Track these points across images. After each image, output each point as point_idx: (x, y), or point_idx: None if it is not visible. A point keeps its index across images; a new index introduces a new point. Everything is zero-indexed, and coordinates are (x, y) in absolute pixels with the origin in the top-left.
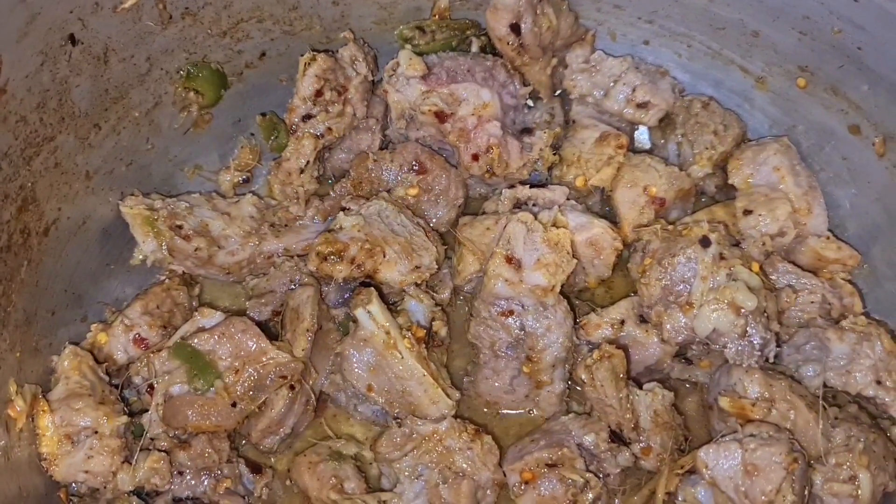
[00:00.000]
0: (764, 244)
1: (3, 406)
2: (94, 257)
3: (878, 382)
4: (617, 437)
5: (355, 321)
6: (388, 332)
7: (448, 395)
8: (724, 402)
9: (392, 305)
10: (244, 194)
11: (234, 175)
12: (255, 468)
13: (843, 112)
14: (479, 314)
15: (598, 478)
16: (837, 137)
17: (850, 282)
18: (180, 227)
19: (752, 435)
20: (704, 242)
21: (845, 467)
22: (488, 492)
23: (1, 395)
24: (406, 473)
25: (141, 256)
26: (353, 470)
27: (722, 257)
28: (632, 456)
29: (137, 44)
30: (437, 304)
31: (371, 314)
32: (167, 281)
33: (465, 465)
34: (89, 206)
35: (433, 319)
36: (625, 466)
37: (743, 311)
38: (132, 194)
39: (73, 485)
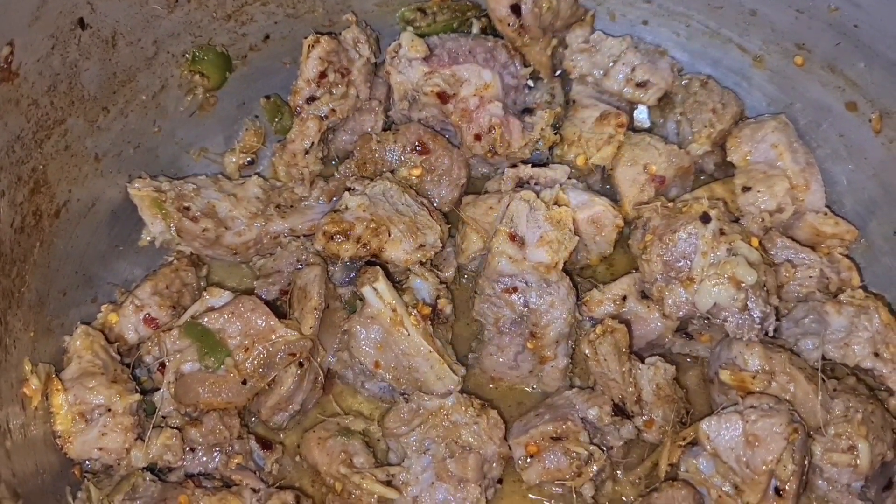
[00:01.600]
0: (763, 220)
1: (18, 385)
2: (103, 239)
3: (876, 354)
4: (620, 411)
5: (362, 299)
6: (394, 310)
7: (454, 371)
8: (725, 375)
9: (397, 284)
10: (249, 176)
11: (239, 157)
12: (266, 444)
13: (839, 89)
14: (483, 291)
15: (602, 450)
16: (834, 114)
17: (847, 256)
18: (188, 208)
19: (752, 406)
20: (705, 218)
21: (844, 437)
22: (494, 465)
23: (16, 374)
24: (413, 448)
25: (149, 238)
26: (362, 445)
27: (722, 233)
28: (634, 429)
29: (144, 27)
30: (441, 282)
31: (378, 292)
32: (175, 262)
33: (471, 440)
34: (98, 188)
35: (438, 297)
36: (628, 439)
37: (743, 285)
38: (140, 177)
39: (87, 462)
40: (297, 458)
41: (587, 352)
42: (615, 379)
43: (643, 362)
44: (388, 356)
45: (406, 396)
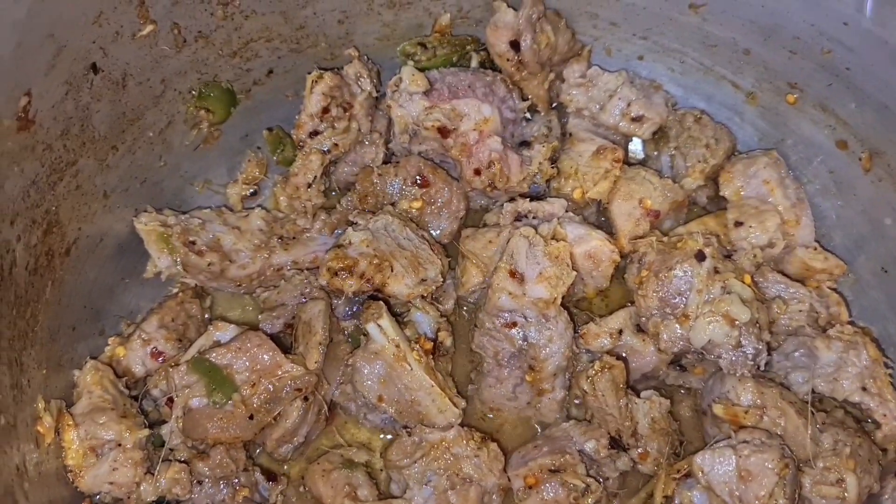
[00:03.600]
0: (755, 255)
1: (32, 422)
2: (110, 272)
3: (864, 389)
4: (616, 443)
5: (366, 334)
6: (397, 346)
7: (455, 404)
8: (719, 410)
9: (399, 316)
10: (252, 207)
11: (242, 188)
12: (271, 476)
13: (830, 128)
14: (483, 325)
15: (599, 482)
16: (825, 152)
17: (836, 290)
18: (193, 242)
19: (745, 441)
20: (700, 257)
21: (833, 470)
22: (494, 496)
23: (31, 412)
24: (415, 480)
25: (155, 270)
26: (365, 477)
27: (716, 271)
28: (630, 461)
29: (153, 67)
30: (441, 315)
31: (381, 328)
32: (180, 294)
33: (472, 472)
34: (106, 223)
35: (439, 330)
36: (623, 471)
37: (737, 322)
38: (146, 210)
39: (98, 495)
40: (301, 489)
41: (585, 387)
42: (612, 413)
43: (639, 396)
44: (392, 390)
45: (409, 430)
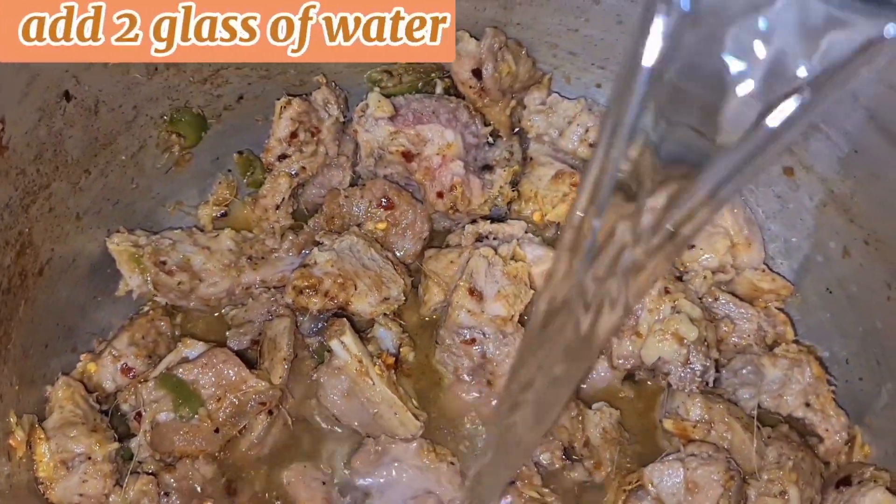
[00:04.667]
0: (706, 278)
1: (4, 437)
2: (82, 291)
3: (807, 405)
4: (569, 454)
5: (330, 351)
6: (360, 361)
7: (416, 416)
8: (668, 424)
9: (362, 333)
10: (222, 228)
11: (212, 209)
12: (232, 490)
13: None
14: (443, 342)
15: (556, 494)
16: (773, 178)
17: (782, 311)
18: (164, 262)
19: (693, 455)
20: None
21: (776, 482)
22: None
23: (2, 425)
24: (377, 489)
25: (127, 288)
26: (330, 483)
27: (667, 291)
28: (585, 471)
29: (125, 94)
30: (404, 331)
31: (344, 345)
32: (151, 312)
33: (431, 485)
34: (79, 244)
35: (401, 345)
36: (579, 482)
37: (685, 341)
38: (118, 231)
39: None
40: (267, 497)
41: None
42: (565, 425)
43: (590, 408)
44: (355, 404)
45: (374, 438)
